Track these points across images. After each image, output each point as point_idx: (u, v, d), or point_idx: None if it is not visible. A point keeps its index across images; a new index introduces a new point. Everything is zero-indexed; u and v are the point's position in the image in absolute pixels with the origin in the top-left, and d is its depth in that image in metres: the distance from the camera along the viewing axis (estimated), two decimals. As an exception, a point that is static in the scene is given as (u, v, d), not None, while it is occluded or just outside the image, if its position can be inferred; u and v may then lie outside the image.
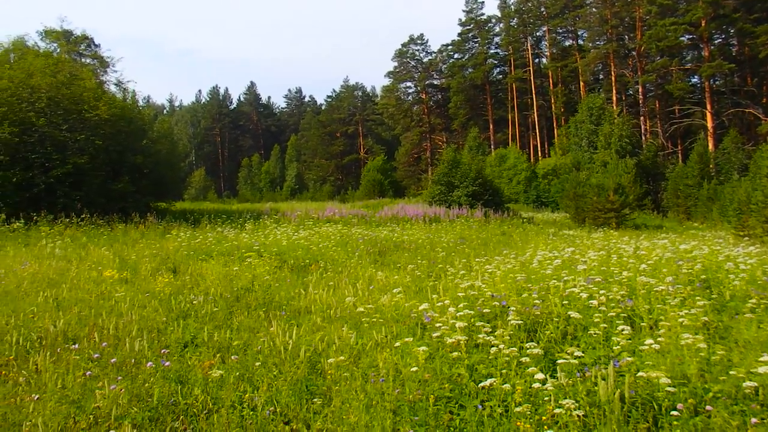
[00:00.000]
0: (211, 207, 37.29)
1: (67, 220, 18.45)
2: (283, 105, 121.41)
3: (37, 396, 5.08)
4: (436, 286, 9.19)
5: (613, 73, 61.02)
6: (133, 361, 5.97)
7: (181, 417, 4.90)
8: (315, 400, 5.14)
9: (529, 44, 73.04)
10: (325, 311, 8.21)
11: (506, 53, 76.13)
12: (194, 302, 8.53)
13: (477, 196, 33.83)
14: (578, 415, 4.41)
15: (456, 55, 79.45)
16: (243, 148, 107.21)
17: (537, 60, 74.41)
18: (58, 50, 44.25)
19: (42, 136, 21.39)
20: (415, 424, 4.63)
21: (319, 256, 13.52)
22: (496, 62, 78.59)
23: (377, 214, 29.62)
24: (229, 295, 9.14)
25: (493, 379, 4.92)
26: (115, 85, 46.33)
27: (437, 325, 6.41)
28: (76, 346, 6.36)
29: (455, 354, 5.58)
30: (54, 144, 21.46)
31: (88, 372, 5.55)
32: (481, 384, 4.93)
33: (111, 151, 24.01)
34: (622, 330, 5.83)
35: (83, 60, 49.74)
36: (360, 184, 66.46)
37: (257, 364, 5.81)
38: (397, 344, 6.08)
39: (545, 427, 4.44)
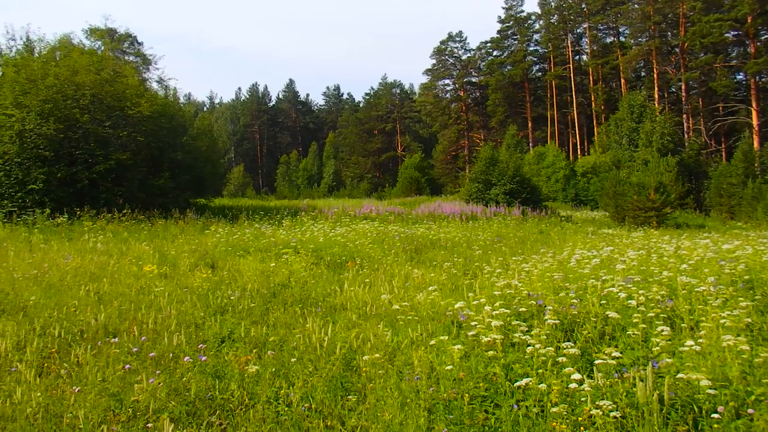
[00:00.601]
0: (250, 203, 37.60)
1: (109, 215, 18.85)
2: (322, 102, 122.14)
3: (78, 388, 5.19)
4: (472, 284, 9.13)
5: (655, 70, 59.86)
6: (171, 355, 6.06)
7: (218, 411, 4.96)
8: (350, 397, 5.16)
9: (569, 41, 72.06)
10: (361, 308, 8.23)
11: (546, 50, 75.26)
12: (231, 298, 8.61)
13: (515, 194, 33.61)
14: (616, 417, 4.34)
15: (495, 53, 78.90)
16: (281, 145, 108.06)
17: (577, 57, 73.39)
18: (102, 48, 45.24)
19: (86, 132, 21.79)
20: (450, 423, 4.61)
21: (355, 253, 13.54)
22: (535, 59, 77.82)
23: (414, 212, 29.62)
24: (266, 291, 9.21)
25: (529, 379, 4.86)
26: (157, 82, 47.19)
27: (473, 323, 6.36)
28: (116, 339, 6.49)
29: (491, 353, 5.53)
30: (97, 140, 21.85)
31: (128, 365, 5.66)
32: (517, 383, 4.88)
33: (152, 147, 24.36)
34: (662, 331, 5.69)
35: (126, 57, 50.83)
36: (397, 182, 66.40)
37: (293, 360, 5.86)
38: (433, 342, 6.06)
39: (582, 428, 4.38)
